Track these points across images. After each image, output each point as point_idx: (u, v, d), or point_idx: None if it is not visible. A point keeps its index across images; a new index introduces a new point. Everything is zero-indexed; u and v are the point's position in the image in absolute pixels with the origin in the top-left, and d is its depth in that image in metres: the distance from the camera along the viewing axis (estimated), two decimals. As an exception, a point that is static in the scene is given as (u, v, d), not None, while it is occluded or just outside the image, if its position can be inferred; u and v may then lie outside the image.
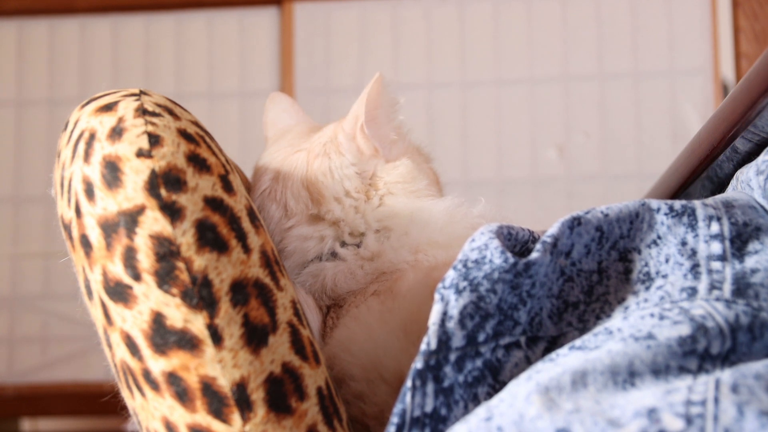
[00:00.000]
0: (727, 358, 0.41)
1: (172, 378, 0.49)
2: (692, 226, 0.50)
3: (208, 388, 0.48)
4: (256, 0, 1.74)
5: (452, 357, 0.45)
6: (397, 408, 0.45)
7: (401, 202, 0.74)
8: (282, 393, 0.50)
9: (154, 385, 0.49)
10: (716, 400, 0.36)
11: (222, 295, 0.49)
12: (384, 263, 0.69)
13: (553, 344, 0.48)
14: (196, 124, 0.55)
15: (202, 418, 0.49)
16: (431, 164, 0.83)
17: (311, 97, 1.70)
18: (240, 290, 0.50)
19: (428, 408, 0.45)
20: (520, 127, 1.68)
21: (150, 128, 0.51)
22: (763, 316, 0.43)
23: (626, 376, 0.40)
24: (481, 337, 0.46)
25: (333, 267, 0.70)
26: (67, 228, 0.52)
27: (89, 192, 0.50)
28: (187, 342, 0.48)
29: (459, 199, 0.74)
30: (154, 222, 0.48)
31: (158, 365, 0.49)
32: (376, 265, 0.70)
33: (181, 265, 0.48)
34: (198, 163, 0.51)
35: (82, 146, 0.51)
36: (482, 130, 1.69)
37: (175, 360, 0.48)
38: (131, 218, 0.48)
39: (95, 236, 0.49)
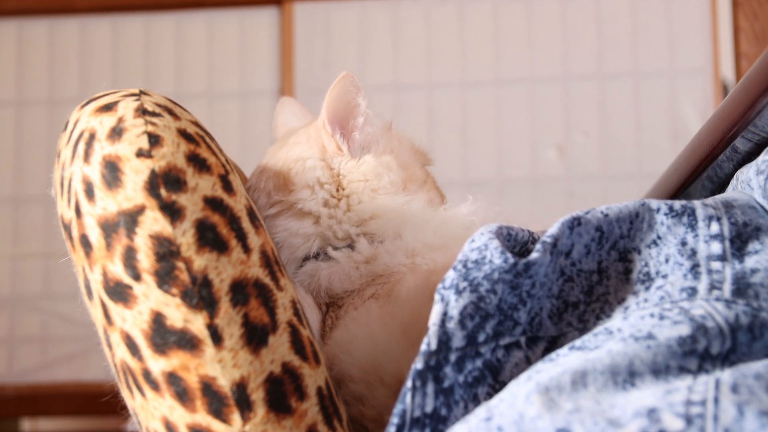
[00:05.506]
0: (727, 358, 0.41)
1: (172, 378, 0.49)
2: (692, 226, 0.50)
3: (208, 388, 0.48)
4: (256, 0, 1.74)
5: (452, 357, 0.45)
6: (397, 408, 0.45)
7: (367, 202, 0.75)
8: (282, 393, 0.50)
9: (154, 385, 0.49)
10: (716, 400, 0.36)
11: (222, 295, 0.49)
12: (379, 266, 0.70)
13: (553, 344, 0.48)
14: (196, 124, 0.55)
15: (202, 418, 0.49)
16: (427, 163, 0.83)
17: (311, 97, 1.70)
18: (240, 290, 0.50)
19: (428, 408, 0.44)
20: (520, 127, 1.68)
21: (150, 128, 0.50)
22: (763, 316, 0.43)
23: (626, 376, 0.40)
24: (481, 338, 0.46)
25: (327, 267, 0.71)
26: (67, 228, 0.52)
27: (89, 192, 0.50)
28: (187, 342, 0.48)
29: (414, 196, 0.75)
30: (154, 222, 0.48)
31: (158, 365, 0.49)
32: (372, 267, 0.70)
33: (181, 265, 0.48)
34: (198, 163, 0.51)
35: (82, 146, 0.51)
36: (482, 130, 1.69)
37: (175, 360, 0.48)
38: (131, 218, 0.48)
39: (95, 236, 0.49)
